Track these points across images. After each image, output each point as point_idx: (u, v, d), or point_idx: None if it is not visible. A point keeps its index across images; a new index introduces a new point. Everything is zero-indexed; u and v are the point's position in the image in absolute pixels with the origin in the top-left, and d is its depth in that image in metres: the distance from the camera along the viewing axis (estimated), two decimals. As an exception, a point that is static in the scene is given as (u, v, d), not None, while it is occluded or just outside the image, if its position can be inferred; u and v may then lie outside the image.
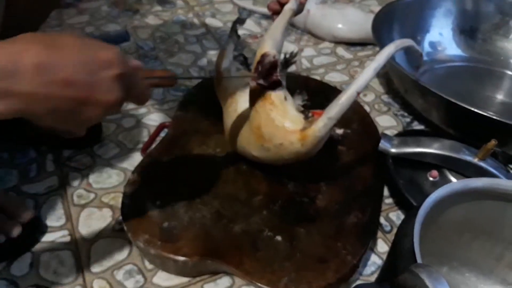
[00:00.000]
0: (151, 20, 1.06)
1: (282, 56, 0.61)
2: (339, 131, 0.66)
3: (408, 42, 0.56)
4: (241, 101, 0.59)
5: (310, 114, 0.52)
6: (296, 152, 0.51)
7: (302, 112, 0.53)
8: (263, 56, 0.51)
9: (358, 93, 0.49)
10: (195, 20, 1.07)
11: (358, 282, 0.54)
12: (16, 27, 0.58)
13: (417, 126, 0.80)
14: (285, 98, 0.52)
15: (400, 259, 0.41)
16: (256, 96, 0.52)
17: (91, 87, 0.34)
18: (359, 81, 0.49)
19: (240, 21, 0.64)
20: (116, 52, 0.36)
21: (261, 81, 0.51)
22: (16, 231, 0.54)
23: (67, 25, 1.00)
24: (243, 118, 0.56)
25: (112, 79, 0.35)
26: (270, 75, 0.51)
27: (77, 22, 1.02)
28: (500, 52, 0.96)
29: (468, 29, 0.97)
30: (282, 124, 0.51)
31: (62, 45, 0.33)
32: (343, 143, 0.67)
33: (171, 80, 0.46)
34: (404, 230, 0.42)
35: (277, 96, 0.52)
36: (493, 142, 0.59)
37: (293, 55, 0.63)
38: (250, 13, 0.65)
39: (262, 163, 0.58)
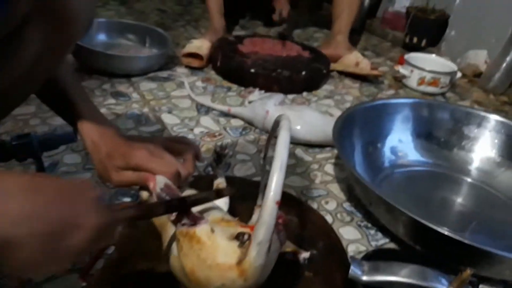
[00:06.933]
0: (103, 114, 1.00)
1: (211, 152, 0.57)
2: (305, 255, 0.60)
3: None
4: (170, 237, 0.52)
5: (246, 237, 0.46)
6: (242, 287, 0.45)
7: (236, 237, 0.46)
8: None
9: (278, 203, 0.42)
10: (151, 116, 1.02)
11: None
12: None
13: (381, 239, 0.76)
14: (212, 230, 0.47)
15: None
16: (182, 237, 0.47)
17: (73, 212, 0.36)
18: (272, 190, 0.42)
19: (218, 159, 0.59)
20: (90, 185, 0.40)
21: (185, 221, 0.47)
22: None
23: (11, 116, 0.93)
24: (178, 261, 0.49)
25: (90, 202, 0.38)
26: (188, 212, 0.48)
27: (22, 113, 0.95)
28: (456, 158, 0.97)
29: (425, 135, 0.98)
30: (215, 263, 0.44)
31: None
32: (309, 268, 0.61)
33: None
34: None
35: (202, 231, 0.46)
36: (468, 271, 0.55)
37: (223, 147, 0.59)
38: (227, 147, 0.61)
39: None
